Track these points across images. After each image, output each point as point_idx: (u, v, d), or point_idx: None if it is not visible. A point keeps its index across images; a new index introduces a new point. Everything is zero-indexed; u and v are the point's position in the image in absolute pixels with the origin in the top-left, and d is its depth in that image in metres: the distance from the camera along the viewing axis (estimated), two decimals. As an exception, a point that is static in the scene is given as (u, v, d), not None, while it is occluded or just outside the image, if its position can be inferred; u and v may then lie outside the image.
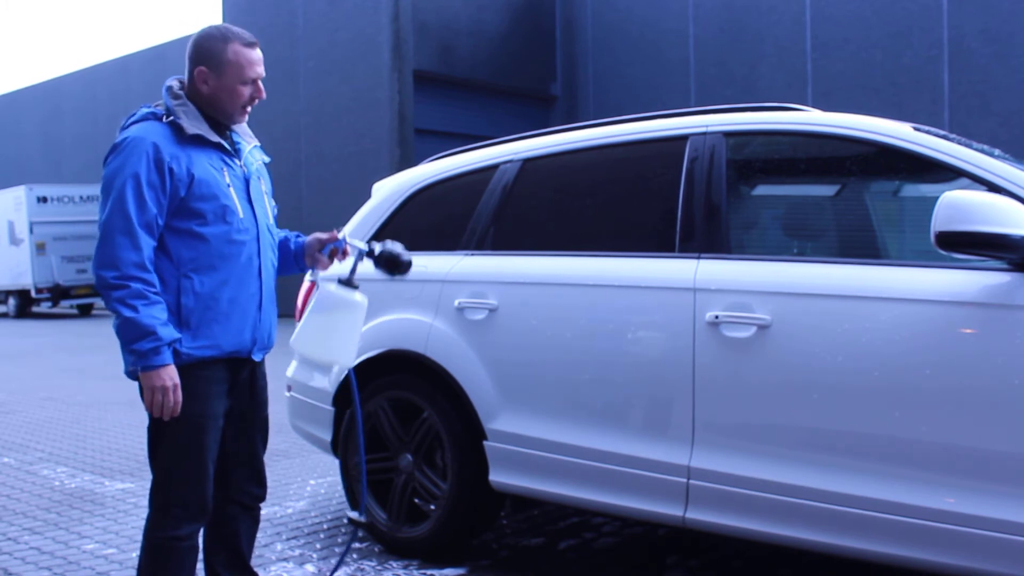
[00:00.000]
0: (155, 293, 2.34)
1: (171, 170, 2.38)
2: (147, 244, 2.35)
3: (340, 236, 2.71)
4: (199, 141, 2.46)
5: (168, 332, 2.33)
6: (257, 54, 2.53)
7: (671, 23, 17.35)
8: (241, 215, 2.52)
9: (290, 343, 2.68)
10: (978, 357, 2.39)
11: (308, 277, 4.02)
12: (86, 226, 20.80)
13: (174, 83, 2.53)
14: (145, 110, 2.51)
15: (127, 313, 2.29)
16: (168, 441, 2.47)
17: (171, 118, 2.44)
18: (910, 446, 2.47)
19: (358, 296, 2.67)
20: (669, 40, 17.37)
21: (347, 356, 2.71)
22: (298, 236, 2.82)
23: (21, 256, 20.49)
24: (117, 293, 2.30)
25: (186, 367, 2.41)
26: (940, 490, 2.41)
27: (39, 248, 20.28)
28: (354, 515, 2.89)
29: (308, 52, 18.04)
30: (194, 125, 2.45)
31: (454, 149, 3.98)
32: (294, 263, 2.77)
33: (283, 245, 2.77)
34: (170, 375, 2.34)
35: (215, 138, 2.49)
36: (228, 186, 2.50)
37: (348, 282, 2.67)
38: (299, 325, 2.66)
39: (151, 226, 2.36)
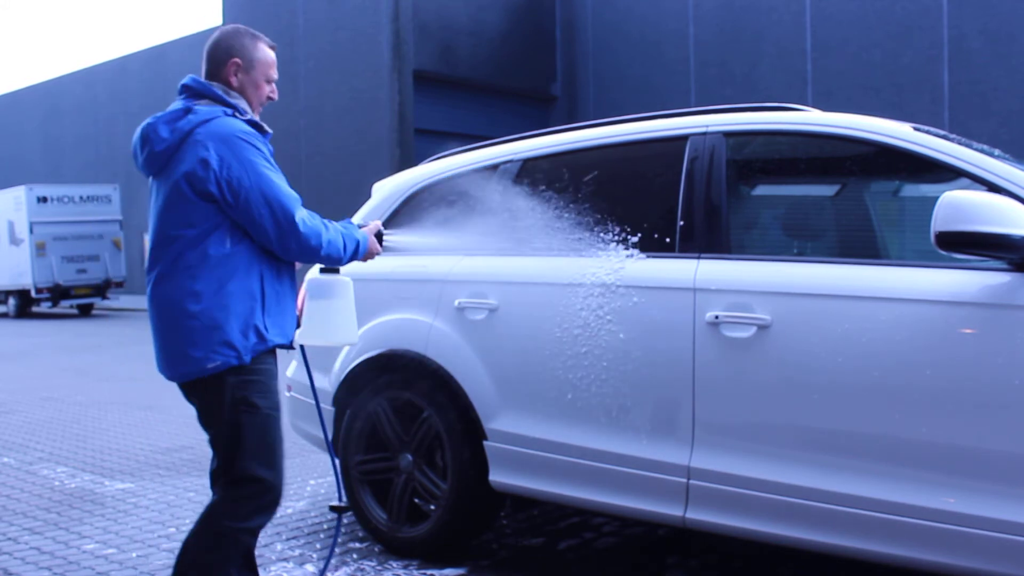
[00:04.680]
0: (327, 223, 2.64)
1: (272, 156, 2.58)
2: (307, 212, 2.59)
3: None
4: (258, 131, 2.59)
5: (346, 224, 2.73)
6: (275, 57, 2.72)
7: (671, 23, 17.35)
8: None
9: (294, 340, 2.74)
10: (978, 357, 2.39)
11: (308, 277, 4.03)
12: (86, 226, 20.79)
13: (218, 86, 2.60)
14: (212, 108, 2.54)
15: (338, 237, 2.63)
16: (248, 440, 2.53)
17: (248, 116, 2.58)
18: (910, 446, 2.47)
19: (342, 277, 2.85)
20: (669, 40, 17.37)
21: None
22: None
23: (21, 256, 20.47)
24: (327, 238, 2.59)
25: (260, 356, 2.54)
26: (940, 490, 2.41)
27: (39, 248, 20.26)
28: (334, 502, 2.96)
29: (308, 52, 18.04)
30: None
31: (454, 149, 3.98)
32: None
33: None
34: (376, 244, 2.82)
35: (270, 131, 2.64)
36: None
37: (328, 269, 2.85)
38: (302, 322, 2.76)
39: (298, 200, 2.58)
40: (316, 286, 2.83)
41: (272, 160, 2.56)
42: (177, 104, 2.57)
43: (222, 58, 2.61)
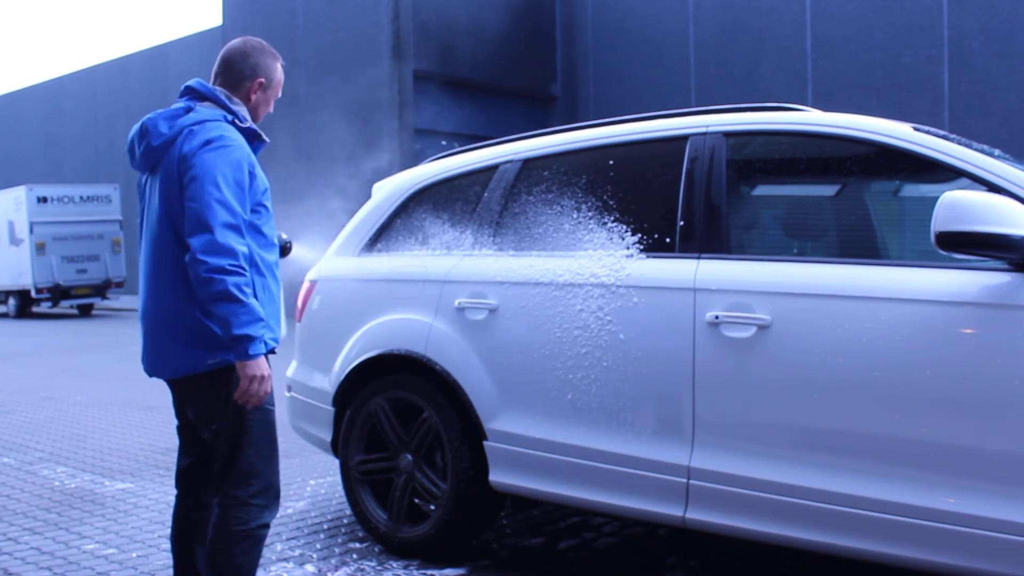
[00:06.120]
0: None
1: (252, 174, 2.51)
2: (243, 243, 2.43)
3: None
4: (257, 141, 2.61)
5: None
6: None
7: (671, 23, 17.34)
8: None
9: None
10: (978, 357, 2.39)
11: (308, 277, 4.03)
12: (86, 226, 20.77)
13: (222, 92, 2.61)
14: (213, 111, 2.55)
15: (246, 299, 2.36)
16: (254, 434, 2.57)
17: (247, 124, 2.58)
18: (910, 446, 2.47)
19: None
20: (669, 40, 17.36)
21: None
22: None
23: (21, 256, 20.45)
24: (234, 279, 2.34)
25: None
26: (940, 490, 2.41)
27: (39, 248, 20.25)
28: None
29: (308, 52, 18.04)
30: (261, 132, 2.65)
31: (454, 149, 3.98)
32: None
33: None
34: (266, 363, 2.45)
35: (267, 140, 2.65)
36: None
37: None
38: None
39: (243, 228, 2.44)
40: None
41: (245, 178, 2.45)
42: (179, 103, 2.59)
43: (248, 74, 2.65)
